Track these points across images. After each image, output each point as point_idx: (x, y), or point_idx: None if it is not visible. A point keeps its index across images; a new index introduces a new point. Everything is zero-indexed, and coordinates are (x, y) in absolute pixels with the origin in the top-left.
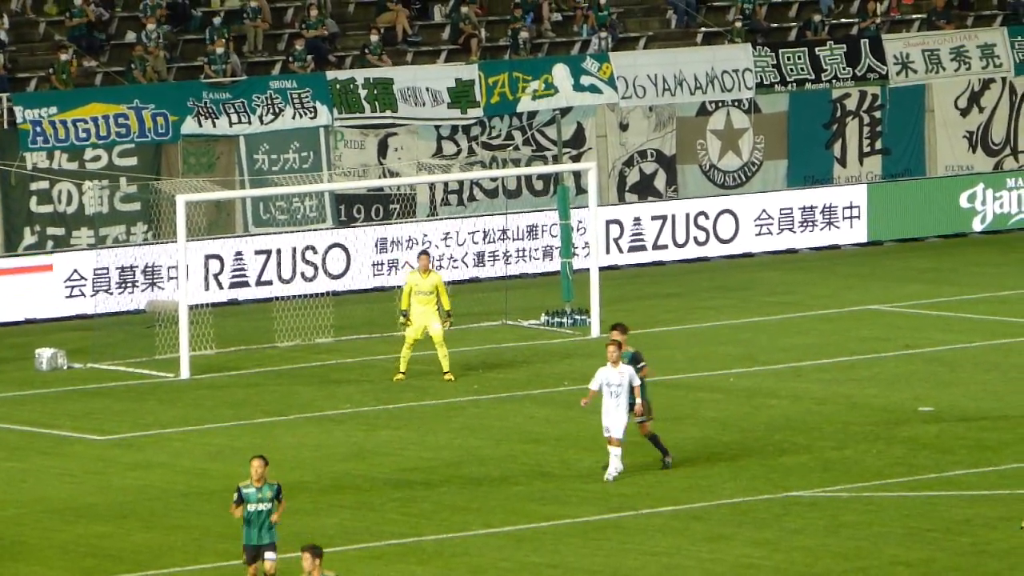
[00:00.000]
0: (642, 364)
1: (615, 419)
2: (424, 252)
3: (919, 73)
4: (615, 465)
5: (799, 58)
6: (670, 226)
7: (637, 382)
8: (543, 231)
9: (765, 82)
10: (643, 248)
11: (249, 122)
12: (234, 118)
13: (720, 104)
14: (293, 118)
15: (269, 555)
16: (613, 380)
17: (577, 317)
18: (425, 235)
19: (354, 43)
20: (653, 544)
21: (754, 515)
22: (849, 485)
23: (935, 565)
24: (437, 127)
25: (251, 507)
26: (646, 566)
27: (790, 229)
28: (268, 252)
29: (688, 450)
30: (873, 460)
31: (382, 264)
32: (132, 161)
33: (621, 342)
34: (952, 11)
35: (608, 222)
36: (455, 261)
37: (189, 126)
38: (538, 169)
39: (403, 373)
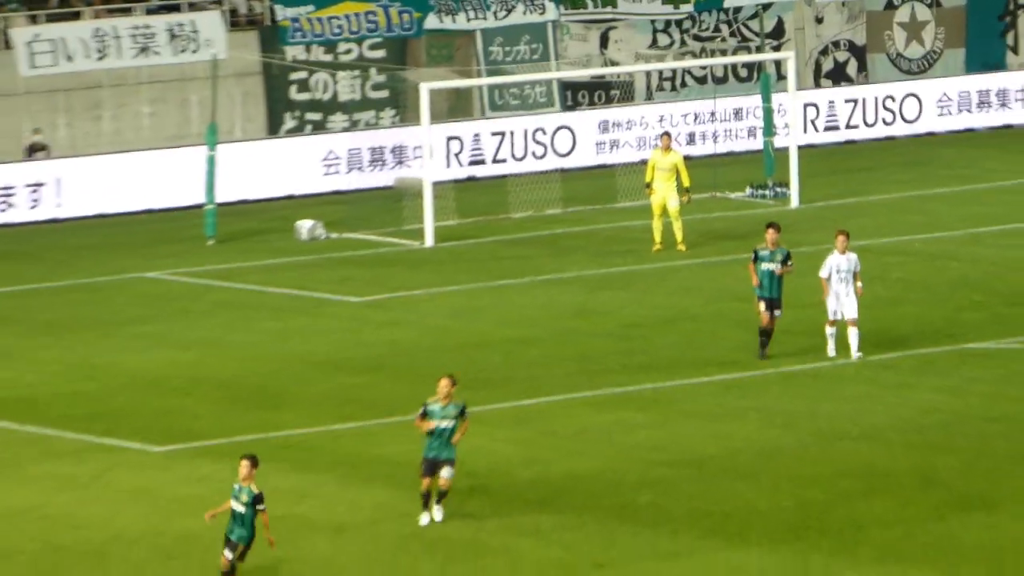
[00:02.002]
0: (790, 263)
1: (847, 303)
2: (666, 133)
3: None
4: (854, 344)
5: None
6: (861, 108)
7: (859, 267)
8: (747, 113)
9: None
10: (836, 128)
11: (485, 18)
12: (471, 14)
13: None
14: (524, 14)
15: (446, 472)
16: (843, 267)
17: (778, 190)
18: (643, 117)
19: None
20: (846, 390)
21: (936, 365)
22: (1022, 338)
23: None
24: (652, 21)
25: (435, 423)
26: (840, 409)
27: (968, 110)
28: (503, 134)
29: (877, 308)
30: None
31: (604, 144)
32: (380, 53)
33: (848, 233)
34: None
35: (805, 105)
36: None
37: (431, 22)
38: (743, 58)
39: (659, 243)
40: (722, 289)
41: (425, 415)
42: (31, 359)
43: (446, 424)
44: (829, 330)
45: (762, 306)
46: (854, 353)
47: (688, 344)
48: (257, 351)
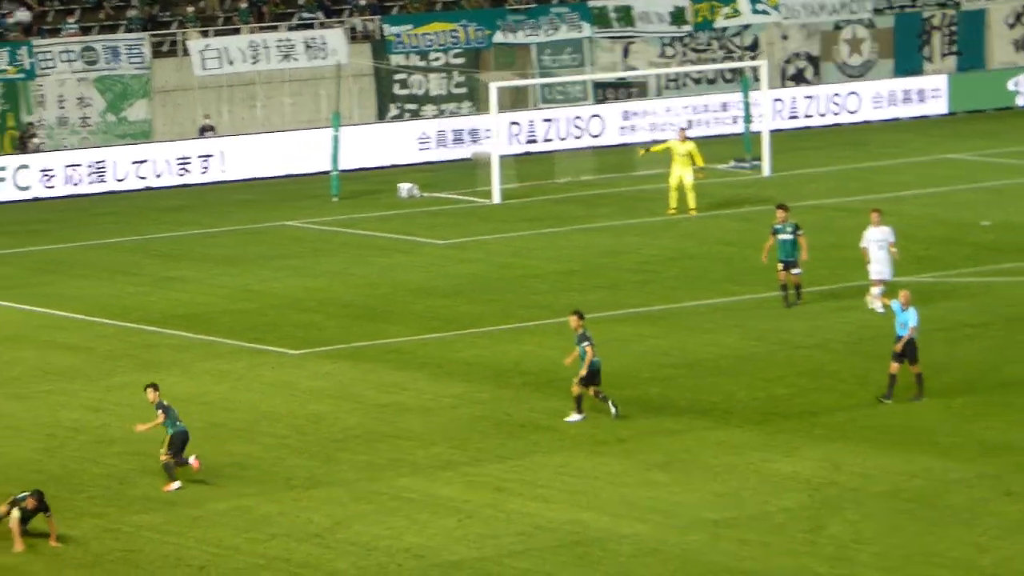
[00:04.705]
0: (800, 231)
1: (885, 267)
2: (683, 128)
3: (981, 0)
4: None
5: None
6: (815, 103)
7: (893, 237)
8: (731, 106)
9: (879, 7)
10: (797, 117)
11: (537, 35)
12: (528, 32)
13: (849, 22)
14: (566, 32)
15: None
16: (877, 237)
17: (754, 162)
18: (654, 108)
19: None
20: (803, 311)
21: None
22: (934, 273)
23: None
24: (661, 38)
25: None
26: (798, 326)
27: (895, 104)
28: (550, 120)
29: (825, 251)
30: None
31: (625, 128)
32: (461, 60)
33: (880, 210)
34: None
35: (774, 100)
36: (672, 125)
37: (498, 37)
38: (728, 65)
39: (674, 208)
40: (712, 236)
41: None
42: (203, 284)
43: (585, 348)
44: (875, 290)
45: (780, 267)
46: (879, 307)
47: (687, 276)
48: (369, 280)
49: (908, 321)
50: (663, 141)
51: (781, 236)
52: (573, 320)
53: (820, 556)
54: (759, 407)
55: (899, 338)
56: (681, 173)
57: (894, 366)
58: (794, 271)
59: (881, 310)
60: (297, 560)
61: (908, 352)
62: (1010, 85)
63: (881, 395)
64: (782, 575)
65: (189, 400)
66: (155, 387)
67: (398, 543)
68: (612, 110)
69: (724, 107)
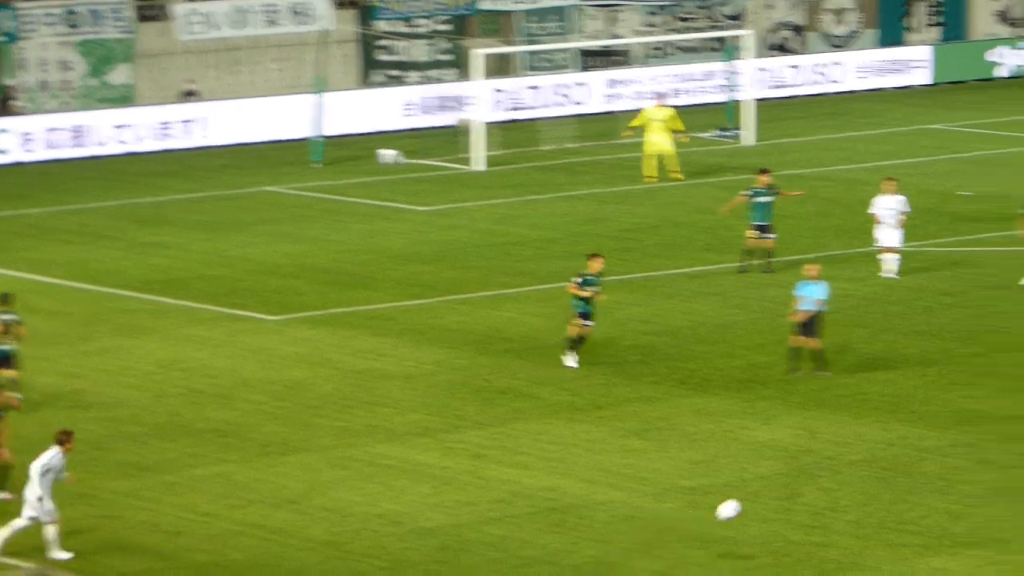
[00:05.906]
0: (779, 189)
1: (891, 234)
2: (661, 94)
3: None
4: (895, 268)
5: None
6: (799, 72)
7: (908, 209)
8: (716, 75)
9: None
10: (781, 87)
11: (523, 2)
12: None
13: None
14: None
15: (587, 323)
16: (890, 206)
17: (736, 131)
18: (639, 76)
19: None
20: (785, 280)
21: (850, 263)
22: (914, 243)
23: None
24: (647, 6)
25: (589, 289)
26: (781, 294)
27: (879, 74)
28: (535, 87)
29: (808, 220)
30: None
31: (610, 96)
32: (446, 27)
33: (896, 179)
34: None
35: (758, 69)
36: (657, 94)
37: (484, 3)
38: (713, 34)
39: (649, 177)
40: (694, 205)
41: (583, 284)
42: (183, 250)
43: (593, 290)
44: (889, 258)
45: (753, 233)
46: (890, 274)
47: (669, 244)
48: (349, 246)
49: (814, 295)
50: (637, 112)
51: (759, 199)
52: (600, 263)
53: (794, 524)
54: (738, 375)
55: (799, 311)
56: (659, 140)
57: (799, 339)
58: (770, 235)
59: (896, 276)
60: (272, 526)
61: (811, 327)
62: (991, 57)
63: (791, 369)
64: (756, 542)
65: (168, 366)
66: (4, 299)
67: (373, 509)
68: (597, 78)
69: (707, 76)
